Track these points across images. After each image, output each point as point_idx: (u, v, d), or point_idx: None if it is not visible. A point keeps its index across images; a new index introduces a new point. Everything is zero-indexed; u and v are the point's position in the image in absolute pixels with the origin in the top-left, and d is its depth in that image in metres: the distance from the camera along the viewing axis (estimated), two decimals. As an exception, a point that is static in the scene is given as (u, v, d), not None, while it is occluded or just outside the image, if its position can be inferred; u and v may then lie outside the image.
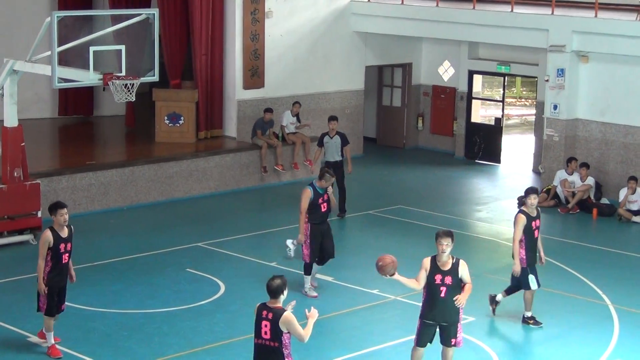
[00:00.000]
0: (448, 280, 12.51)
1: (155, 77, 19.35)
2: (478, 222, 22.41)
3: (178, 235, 20.39)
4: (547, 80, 24.67)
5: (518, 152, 29.61)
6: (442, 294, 12.51)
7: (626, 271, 18.81)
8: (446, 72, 29.44)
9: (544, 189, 24.17)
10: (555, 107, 24.59)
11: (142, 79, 18.78)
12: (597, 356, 14.54)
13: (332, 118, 22.19)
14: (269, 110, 24.86)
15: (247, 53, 25.51)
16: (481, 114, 30.81)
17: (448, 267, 12.56)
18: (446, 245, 12.53)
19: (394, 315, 16.17)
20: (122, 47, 18.59)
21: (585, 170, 23.56)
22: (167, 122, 24.82)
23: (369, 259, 18.93)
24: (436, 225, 19.77)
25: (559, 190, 23.80)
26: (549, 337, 15.40)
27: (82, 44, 18.32)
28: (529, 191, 15.55)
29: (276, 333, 10.81)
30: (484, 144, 28.69)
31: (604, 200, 23.70)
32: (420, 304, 12.86)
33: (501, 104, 29.69)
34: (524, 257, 15.42)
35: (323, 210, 16.65)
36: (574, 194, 23.42)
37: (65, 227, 13.93)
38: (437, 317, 12.66)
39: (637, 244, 20.97)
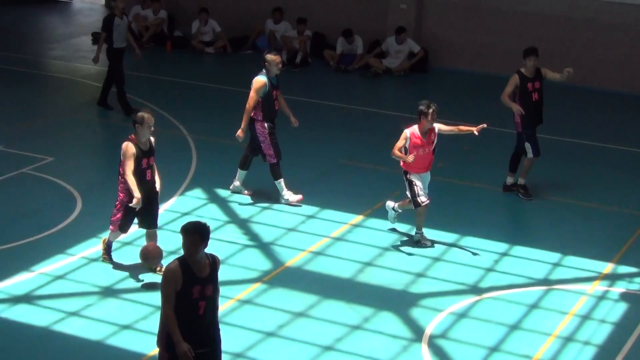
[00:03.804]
0: (209, 291, 8.37)
1: None
2: (53, 60, 22.01)
3: None
4: None
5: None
6: (201, 311, 8.34)
7: (200, 101, 19.30)
8: None
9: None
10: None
11: None
12: (179, 186, 14.93)
13: None
14: None
15: None
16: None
17: (207, 272, 8.40)
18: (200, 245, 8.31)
19: None
20: None
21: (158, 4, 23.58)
22: None
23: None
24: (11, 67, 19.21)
25: (132, 25, 23.78)
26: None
27: None
28: (528, 52, 14.58)
29: None
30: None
31: (178, 33, 23.96)
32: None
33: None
34: (519, 121, 14.72)
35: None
36: (147, 28, 23.51)
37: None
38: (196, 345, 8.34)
39: (209, 75, 21.54)
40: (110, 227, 11.98)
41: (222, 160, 15.94)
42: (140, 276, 11.88)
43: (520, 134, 14.79)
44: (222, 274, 11.81)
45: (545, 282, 12.18)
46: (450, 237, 13.38)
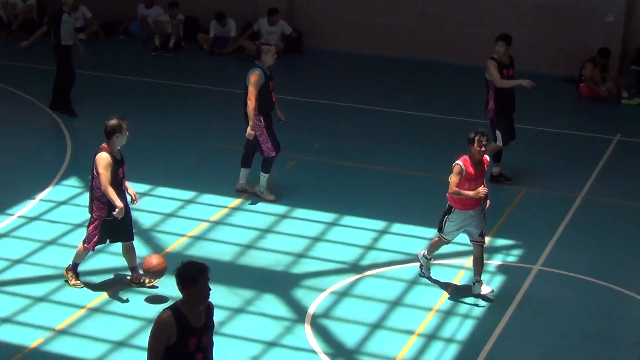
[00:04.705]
0: (205, 341, 7.45)
1: None
2: None
3: None
4: None
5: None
6: None
7: (73, 89, 18.95)
8: None
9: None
10: None
11: None
12: (54, 175, 14.70)
13: None
14: None
15: None
16: None
17: (203, 320, 7.42)
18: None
19: None
20: None
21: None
22: None
23: None
24: None
25: (1, 13, 23.28)
26: None
27: None
28: (498, 38, 14.39)
29: None
30: None
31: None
32: None
33: None
34: (492, 107, 14.58)
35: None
36: (17, 16, 23.05)
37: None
38: None
39: (81, 61, 21.15)
40: (85, 244, 11.06)
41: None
42: (23, 268, 11.69)
43: (492, 120, 14.73)
44: (101, 262, 11.82)
45: (424, 257, 12.34)
46: (329, 216, 13.46)
